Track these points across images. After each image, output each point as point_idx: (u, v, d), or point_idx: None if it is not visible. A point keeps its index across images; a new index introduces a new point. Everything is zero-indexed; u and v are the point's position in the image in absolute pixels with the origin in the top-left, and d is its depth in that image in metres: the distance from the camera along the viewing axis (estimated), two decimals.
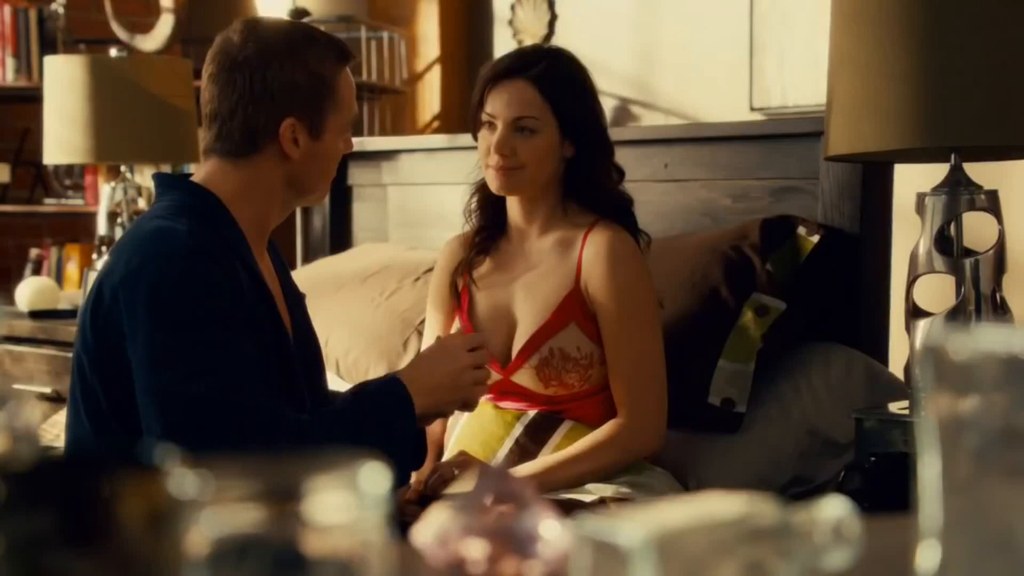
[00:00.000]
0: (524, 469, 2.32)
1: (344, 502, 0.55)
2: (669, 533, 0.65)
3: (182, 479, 0.52)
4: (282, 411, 1.89)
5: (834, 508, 0.74)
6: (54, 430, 3.04)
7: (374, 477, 0.55)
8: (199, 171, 2.05)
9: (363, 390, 2.06)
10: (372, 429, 1.97)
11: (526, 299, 2.42)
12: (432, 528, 0.76)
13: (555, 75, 2.39)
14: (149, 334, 1.84)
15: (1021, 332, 0.60)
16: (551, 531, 0.74)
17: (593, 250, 2.38)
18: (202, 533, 0.53)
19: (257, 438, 1.83)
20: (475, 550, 0.74)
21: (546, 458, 2.32)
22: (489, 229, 2.53)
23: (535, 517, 0.75)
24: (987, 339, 0.61)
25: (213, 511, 0.52)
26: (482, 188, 2.52)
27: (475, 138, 2.46)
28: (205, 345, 1.85)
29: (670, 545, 0.65)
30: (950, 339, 0.61)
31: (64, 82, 3.78)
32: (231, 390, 1.84)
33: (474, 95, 2.43)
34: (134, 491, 0.53)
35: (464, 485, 2.24)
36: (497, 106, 2.38)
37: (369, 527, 0.55)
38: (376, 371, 2.86)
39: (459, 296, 2.52)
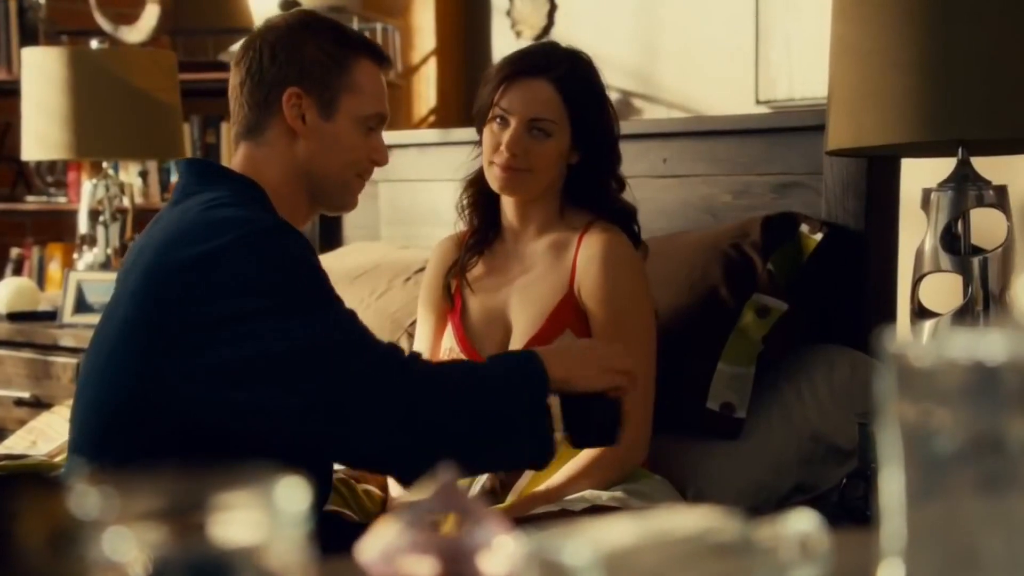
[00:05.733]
0: (511, 504, 2.30)
1: (260, 519, 0.53)
2: (618, 550, 0.63)
3: (85, 497, 0.51)
4: (412, 355, 1.96)
5: (801, 523, 0.72)
6: (30, 436, 3.03)
7: (291, 493, 0.53)
8: (233, 162, 2.08)
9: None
10: (500, 379, 1.94)
11: (520, 304, 2.41)
12: (377, 544, 0.74)
13: (576, 80, 2.37)
14: (262, 306, 1.84)
15: (986, 337, 0.58)
16: (502, 548, 0.73)
17: (588, 253, 2.37)
18: (107, 554, 0.51)
19: (395, 382, 1.86)
20: (422, 567, 0.72)
21: (534, 492, 2.31)
22: (483, 230, 2.51)
23: (486, 533, 0.74)
24: (951, 345, 0.59)
25: (118, 530, 0.51)
26: (473, 184, 2.50)
27: (479, 132, 2.44)
28: (324, 304, 1.89)
29: (619, 563, 0.63)
30: (912, 345, 0.59)
31: (43, 75, 3.78)
32: (362, 332, 1.90)
33: (488, 88, 2.40)
34: (35, 509, 0.52)
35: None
36: (515, 103, 2.35)
37: (287, 546, 0.54)
38: None
39: (452, 298, 2.50)
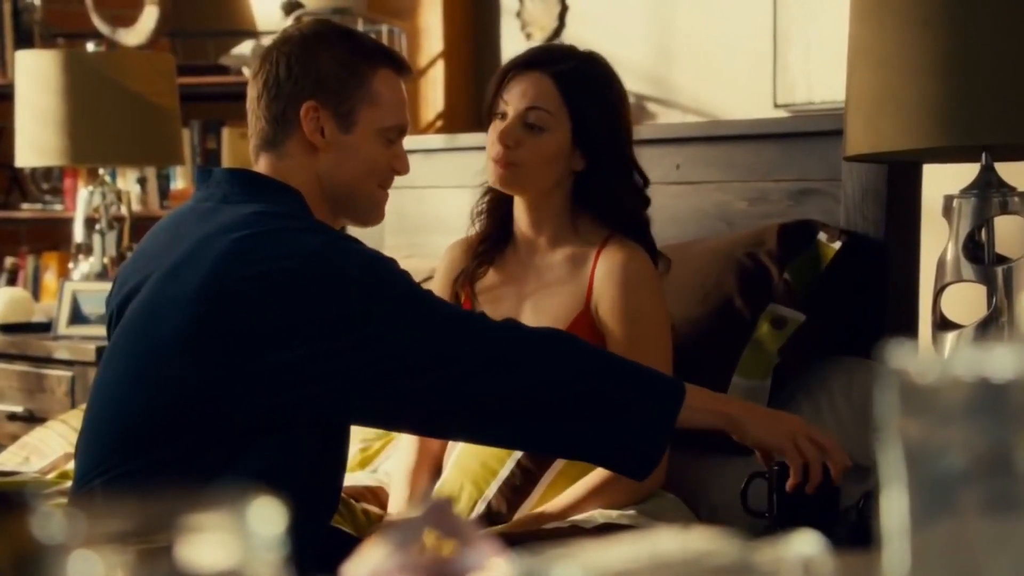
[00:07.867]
0: (516, 521, 2.30)
1: (233, 543, 0.53)
2: (610, 573, 0.63)
3: (49, 520, 0.51)
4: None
5: (803, 545, 0.71)
6: (23, 452, 3.03)
7: (265, 515, 0.53)
8: (259, 169, 2.10)
9: None
10: (626, 380, 1.98)
11: (534, 317, 2.40)
12: (366, 565, 0.74)
13: (579, 76, 2.38)
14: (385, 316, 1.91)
15: (992, 353, 0.57)
16: (493, 570, 0.72)
17: (606, 269, 2.37)
18: None
19: (552, 349, 1.98)
20: None
21: (545, 507, 2.31)
22: (494, 238, 2.51)
23: (477, 555, 0.74)
24: (956, 361, 0.58)
25: (84, 554, 0.51)
26: (492, 190, 2.51)
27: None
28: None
29: None
30: (915, 360, 0.59)
31: (38, 78, 3.79)
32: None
33: (491, 85, 2.43)
34: None
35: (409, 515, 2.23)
36: (512, 96, 2.38)
37: (262, 569, 0.53)
38: None
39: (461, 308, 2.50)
